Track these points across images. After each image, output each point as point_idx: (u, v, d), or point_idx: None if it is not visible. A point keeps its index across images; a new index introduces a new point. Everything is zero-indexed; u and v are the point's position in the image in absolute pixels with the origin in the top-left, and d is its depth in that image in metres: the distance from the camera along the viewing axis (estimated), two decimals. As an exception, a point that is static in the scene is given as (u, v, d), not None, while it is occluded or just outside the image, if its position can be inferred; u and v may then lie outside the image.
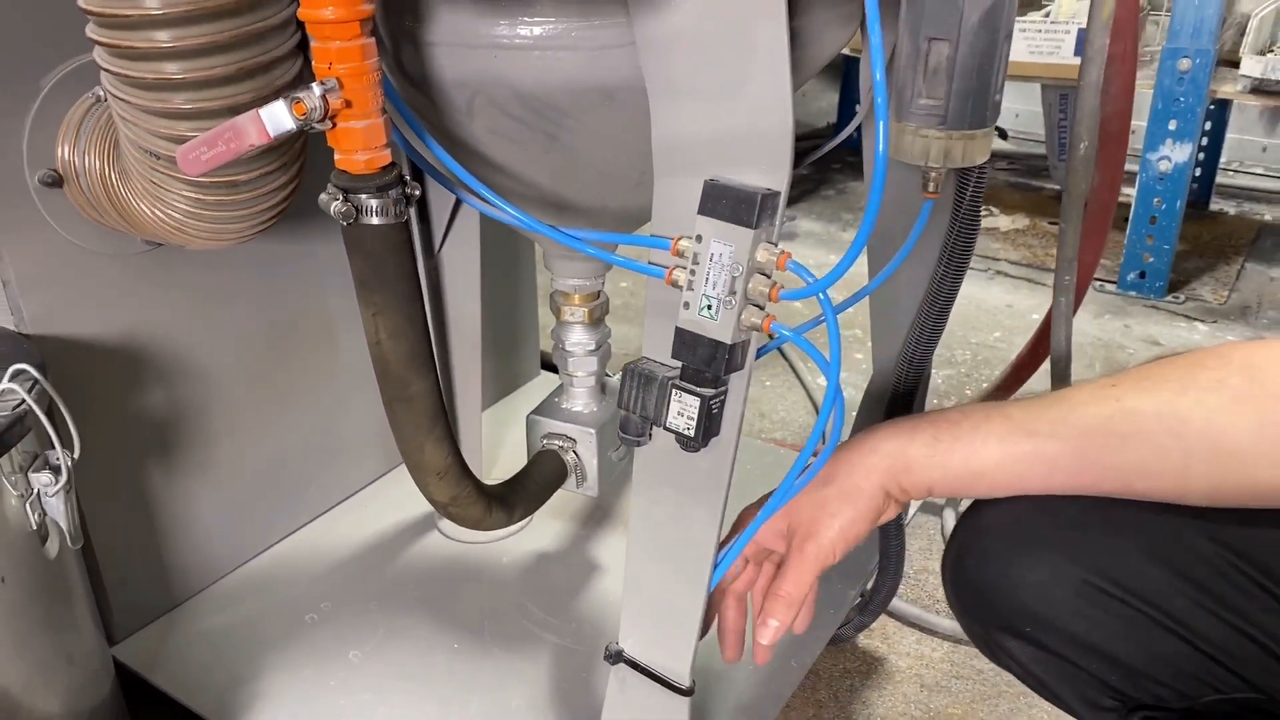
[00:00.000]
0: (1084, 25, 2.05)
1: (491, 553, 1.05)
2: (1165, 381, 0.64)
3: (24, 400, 0.66)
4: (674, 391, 0.61)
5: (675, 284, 0.59)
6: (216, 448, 0.95)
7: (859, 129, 0.78)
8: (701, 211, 0.57)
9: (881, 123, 0.52)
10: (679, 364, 0.60)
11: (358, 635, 0.93)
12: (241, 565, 1.02)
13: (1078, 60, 2.11)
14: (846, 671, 1.14)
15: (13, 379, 0.68)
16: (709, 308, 0.58)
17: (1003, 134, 2.86)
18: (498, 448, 1.22)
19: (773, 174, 0.56)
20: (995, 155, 2.79)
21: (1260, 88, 1.80)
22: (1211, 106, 2.14)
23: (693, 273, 0.58)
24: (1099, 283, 2.08)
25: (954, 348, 1.82)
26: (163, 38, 0.58)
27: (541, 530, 1.08)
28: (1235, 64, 1.84)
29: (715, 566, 0.65)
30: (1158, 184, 1.92)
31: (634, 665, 0.69)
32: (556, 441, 0.92)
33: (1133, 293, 2.02)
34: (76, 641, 0.77)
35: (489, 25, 0.59)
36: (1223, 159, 2.72)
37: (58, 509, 0.71)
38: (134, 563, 0.91)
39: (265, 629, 0.94)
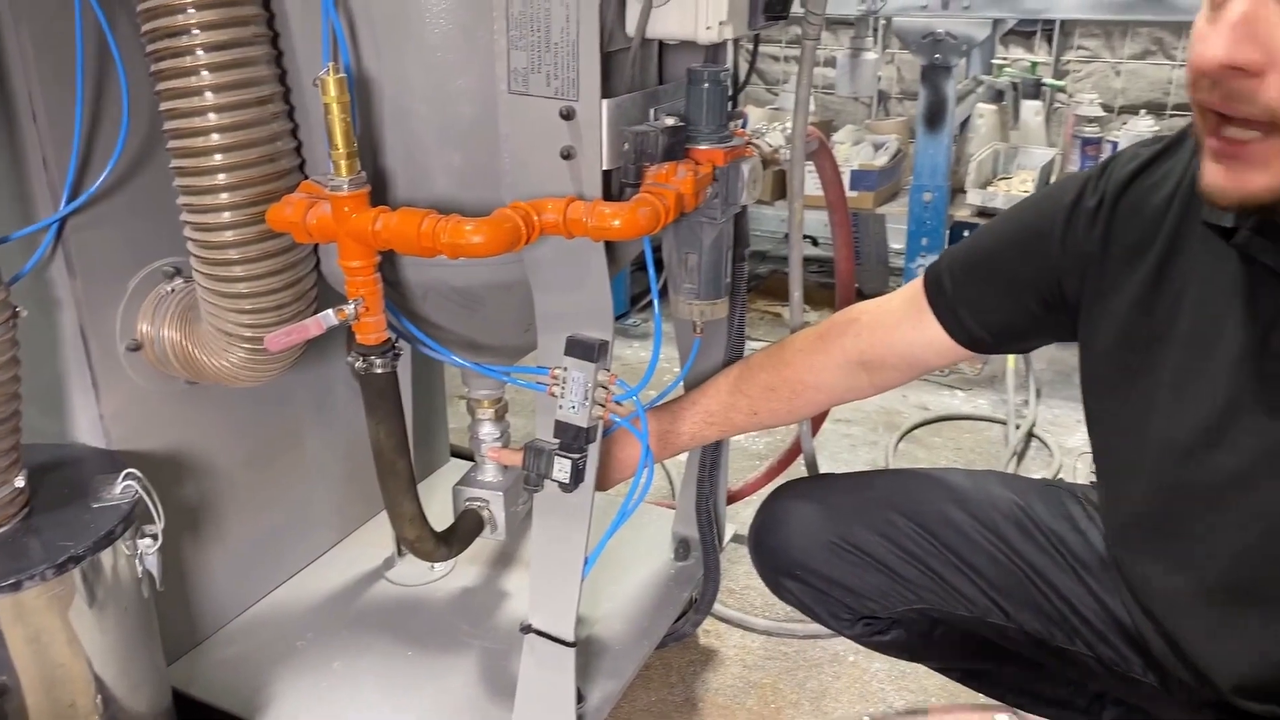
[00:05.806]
0: (854, 168, 2.62)
1: (427, 591, 1.44)
2: (795, 356, 1.15)
3: (138, 491, 1.04)
4: (556, 458, 1.03)
5: (553, 394, 1.02)
6: (227, 523, 1.33)
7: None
8: (566, 353, 1.00)
9: (656, 301, 0.98)
10: (558, 440, 1.03)
11: (337, 652, 1.31)
12: (247, 609, 1.38)
13: (850, 194, 2.67)
14: (691, 661, 1.56)
15: (126, 479, 1.05)
16: (573, 408, 1.01)
17: (814, 241, 3.43)
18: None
19: (603, 331, 1.00)
20: (808, 259, 3.35)
21: (984, 212, 2.39)
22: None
23: (563, 388, 1.01)
24: (885, 363, 2.62)
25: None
26: (238, 271, 0.99)
27: (462, 573, 1.48)
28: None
29: (584, 563, 1.07)
30: (919, 285, 2.47)
31: (539, 632, 1.11)
32: (476, 503, 1.32)
33: (910, 370, 2.56)
34: (158, 658, 1.13)
35: (436, 252, 1.03)
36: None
37: (153, 563, 1.07)
38: (173, 607, 1.27)
39: (269, 652, 1.30)
